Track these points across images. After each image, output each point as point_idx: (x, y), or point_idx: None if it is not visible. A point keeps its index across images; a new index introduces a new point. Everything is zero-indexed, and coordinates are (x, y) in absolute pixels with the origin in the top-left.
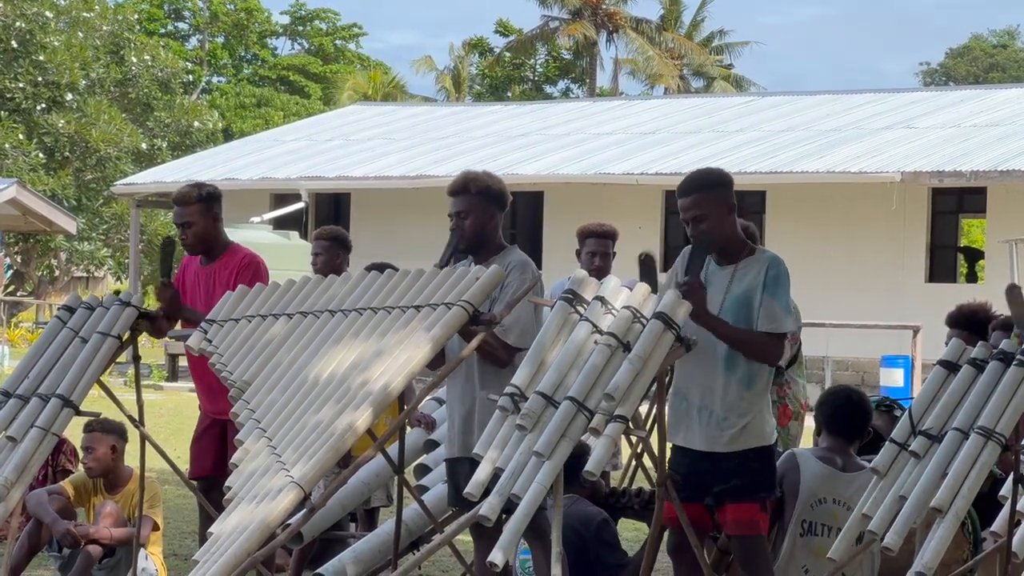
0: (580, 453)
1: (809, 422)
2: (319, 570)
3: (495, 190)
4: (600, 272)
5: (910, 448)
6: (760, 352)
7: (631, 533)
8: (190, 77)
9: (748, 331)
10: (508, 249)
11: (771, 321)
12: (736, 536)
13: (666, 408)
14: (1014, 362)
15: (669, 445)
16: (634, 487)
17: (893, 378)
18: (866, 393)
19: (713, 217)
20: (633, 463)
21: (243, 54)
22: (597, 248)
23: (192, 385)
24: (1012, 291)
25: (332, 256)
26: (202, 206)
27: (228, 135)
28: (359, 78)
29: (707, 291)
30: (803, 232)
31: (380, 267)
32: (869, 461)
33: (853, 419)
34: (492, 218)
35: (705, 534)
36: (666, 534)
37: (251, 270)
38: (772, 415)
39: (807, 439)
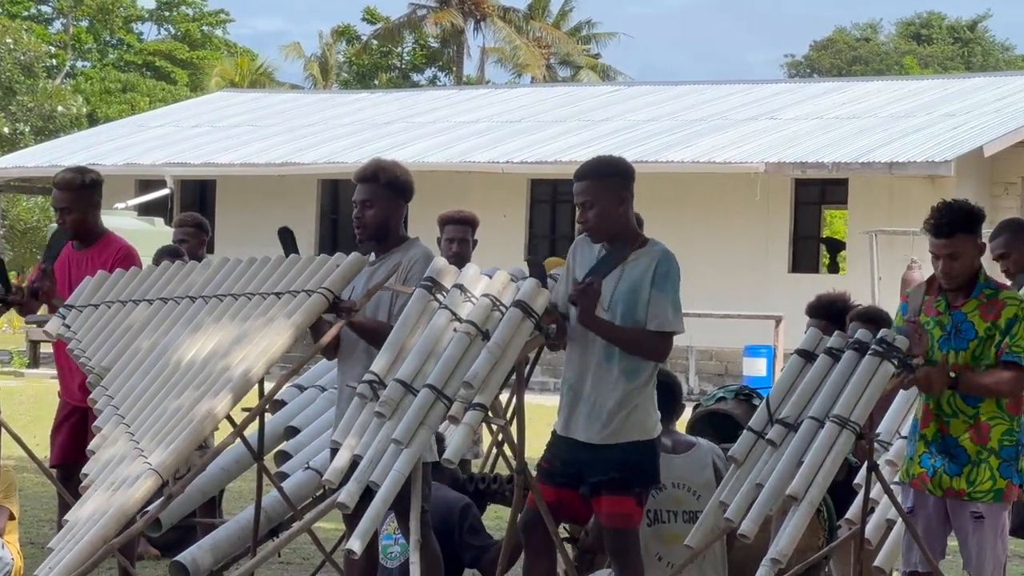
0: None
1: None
2: (176, 558)
3: (403, 181)
4: (459, 259)
5: (767, 436)
6: (648, 352)
7: (492, 522)
8: (54, 61)
9: (635, 332)
10: (410, 242)
11: (659, 319)
12: (609, 528)
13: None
14: (869, 351)
15: (547, 432)
16: (495, 472)
17: (756, 368)
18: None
19: (601, 205)
20: (494, 451)
21: (108, 39)
22: (455, 235)
23: (54, 372)
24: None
25: (199, 243)
26: (83, 193)
27: (93, 120)
28: (226, 65)
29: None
30: (667, 222)
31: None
32: (727, 450)
33: (668, 397)
34: (397, 210)
35: (579, 522)
36: None
37: (126, 262)
38: (656, 408)
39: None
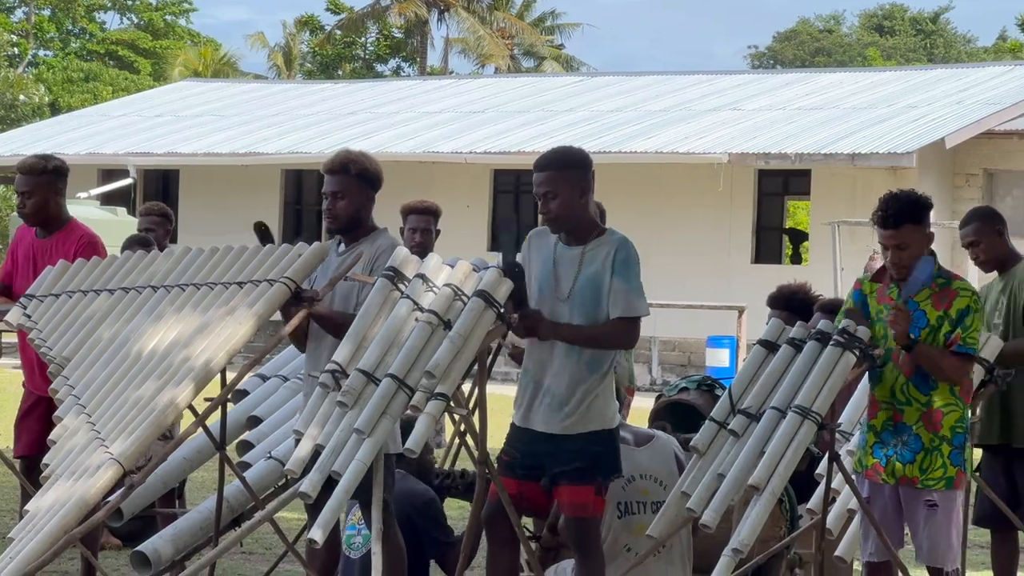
0: None
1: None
2: (137, 548)
3: (372, 172)
4: (421, 249)
5: (729, 427)
6: (618, 341)
7: (456, 512)
8: (16, 50)
9: (599, 328)
10: (378, 232)
11: (623, 305)
12: (570, 518)
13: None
14: (831, 342)
15: (509, 423)
16: (458, 467)
17: (719, 358)
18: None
19: (563, 196)
20: (456, 441)
21: (71, 27)
22: (418, 224)
23: (18, 362)
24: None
25: (164, 232)
26: (47, 178)
27: (55, 109)
28: (189, 54)
29: (558, 270)
30: (631, 212)
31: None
32: (689, 440)
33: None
34: (367, 201)
35: (541, 514)
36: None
37: (89, 250)
38: (615, 399)
39: (638, 423)
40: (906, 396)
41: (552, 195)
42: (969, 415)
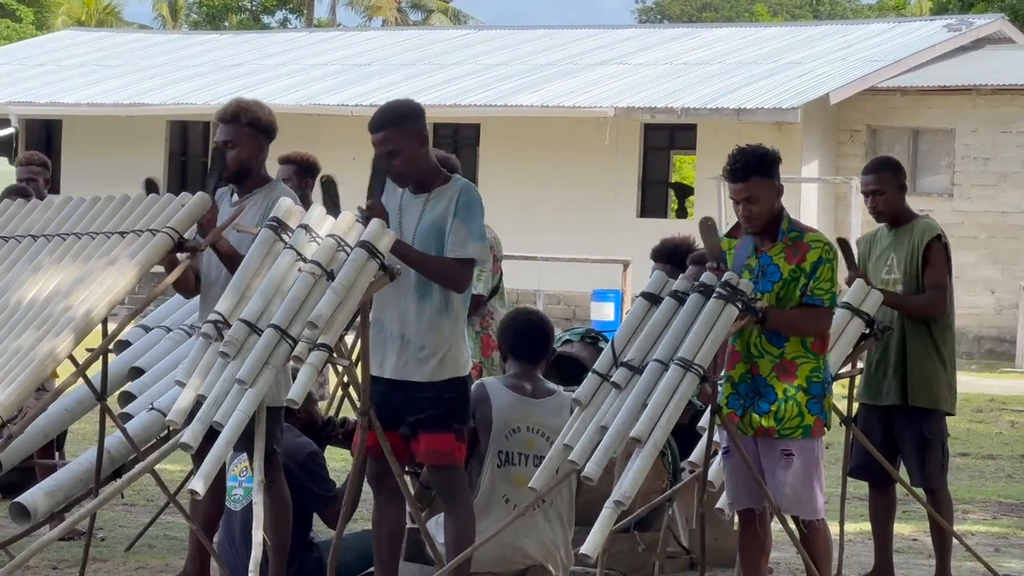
0: None
1: None
2: (17, 499)
3: (265, 121)
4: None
5: (612, 379)
6: (447, 278)
7: (339, 464)
8: None
9: (434, 257)
10: (273, 183)
11: (459, 246)
12: (432, 467)
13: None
14: (713, 295)
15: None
16: (339, 416)
17: (604, 312)
18: (547, 315)
19: (406, 151)
20: (339, 392)
21: None
22: (287, 174)
23: None
24: (706, 223)
25: (44, 181)
26: None
27: None
28: (72, 3)
29: (402, 219)
30: (517, 166)
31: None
32: (573, 392)
33: (536, 341)
34: (260, 150)
35: (402, 463)
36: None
37: None
38: (469, 345)
39: None
40: (759, 349)
41: (395, 152)
42: (826, 365)
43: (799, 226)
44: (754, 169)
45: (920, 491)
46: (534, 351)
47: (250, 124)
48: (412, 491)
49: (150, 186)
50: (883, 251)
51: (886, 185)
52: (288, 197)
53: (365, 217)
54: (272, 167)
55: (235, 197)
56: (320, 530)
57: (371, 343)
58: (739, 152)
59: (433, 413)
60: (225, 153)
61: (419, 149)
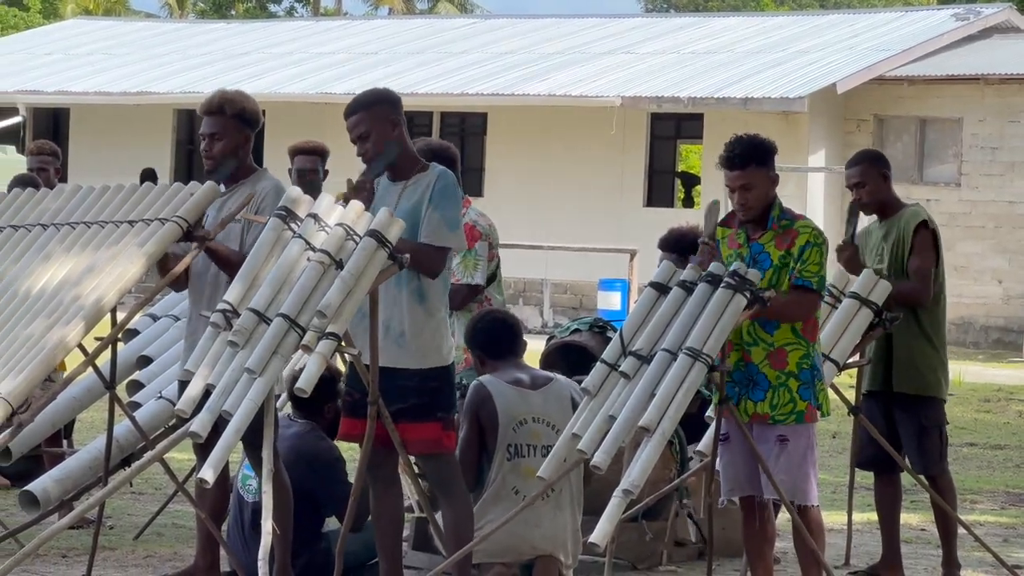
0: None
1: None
2: (26, 487)
3: (250, 112)
4: (310, 189)
5: (620, 368)
6: (419, 262)
7: (346, 454)
8: None
9: (408, 241)
10: (260, 172)
11: (432, 234)
12: (423, 456)
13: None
14: (722, 285)
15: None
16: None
17: (610, 301)
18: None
19: (376, 134)
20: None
21: None
22: (305, 165)
23: None
24: (713, 205)
25: (55, 171)
26: None
27: None
28: None
29: (379, 206)
30: (524, 155)
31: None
32: (581, 382)
33: (513, 338)
34: (246, 141)
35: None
36: None
37: None
38: (452, 334)
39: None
40: (752, 336)
41: (365, 135)
42: (815, 351)
43: (790, 214)
44: (751, 158)
45: (923, 477)
46: (511, 346)
47: (236, 116)
48: (419, 484)
49: (148, 176)
50: (876, 243)
51: (868, 177)
52: (278, 185)
53: (352, 188)
54: (279, 158)
55: (222, 188)
56: (328, 520)
57: (354, 330)
58: (736, 140)
59: (417, 402)
60: (212, 146)
61: (390, 132)
